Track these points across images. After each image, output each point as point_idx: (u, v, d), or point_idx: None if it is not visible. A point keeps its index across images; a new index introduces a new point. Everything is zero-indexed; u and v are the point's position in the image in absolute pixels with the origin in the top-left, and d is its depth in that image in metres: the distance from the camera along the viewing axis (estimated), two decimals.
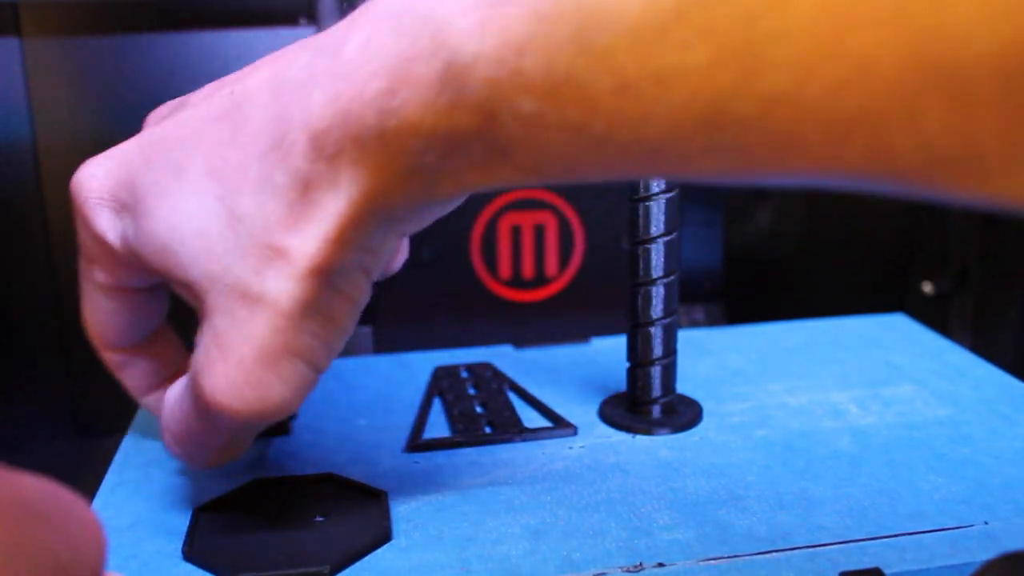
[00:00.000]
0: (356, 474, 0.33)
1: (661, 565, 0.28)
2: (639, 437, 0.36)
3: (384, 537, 0.29)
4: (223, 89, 0.28)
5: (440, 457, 0.35)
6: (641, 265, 0.36)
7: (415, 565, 0.28)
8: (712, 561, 0.28)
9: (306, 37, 0.29)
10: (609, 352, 0.44)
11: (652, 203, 0.35)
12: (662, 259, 0.35)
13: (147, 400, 0.34)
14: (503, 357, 0.44)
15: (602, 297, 0.48)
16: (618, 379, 0.39)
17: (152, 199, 0.28)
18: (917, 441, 0.35)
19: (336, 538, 0.29)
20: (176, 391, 0.30)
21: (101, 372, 0.34)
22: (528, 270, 0.48)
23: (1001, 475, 0.32)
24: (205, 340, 0.27)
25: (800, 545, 0.29)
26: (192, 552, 0.29)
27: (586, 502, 0.31)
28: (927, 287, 0.57)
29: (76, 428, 0.50)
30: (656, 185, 0.35)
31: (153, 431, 0.38)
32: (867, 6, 0.16)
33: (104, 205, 0.30)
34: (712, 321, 0.53)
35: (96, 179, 0.30)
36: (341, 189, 0.25)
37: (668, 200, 0.35)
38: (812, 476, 0.33)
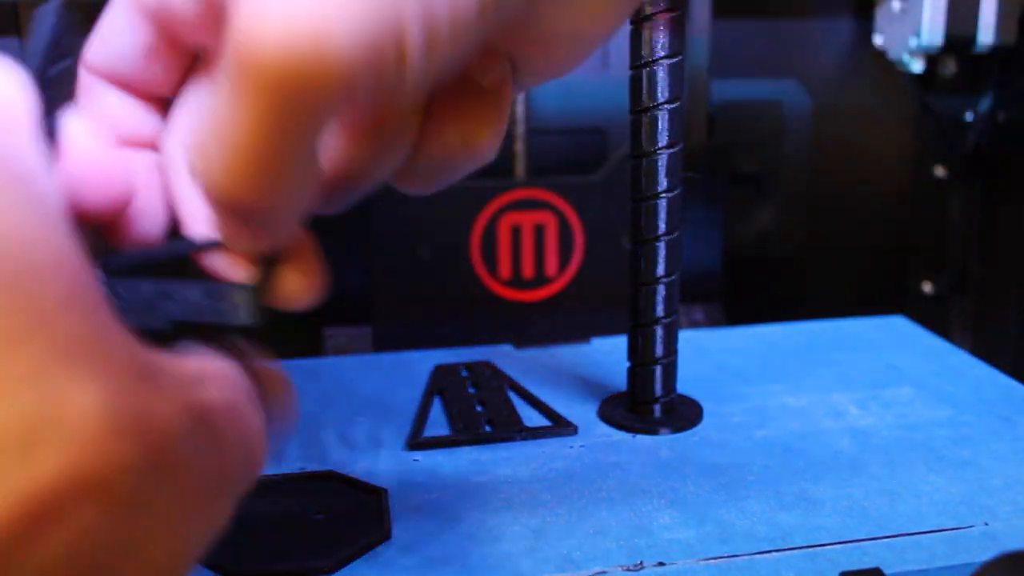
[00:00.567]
0: (356, 472, 0.33)
1: (661, 564, 0.28)
2: (639, 437, 0.36)
3: (384, 535, 0.29)
4: None
5: (440, 456, 0.35)
6: (643, 265, 0.36)
7: (415, 563, 0.28)
8: (712, 560, 0.28)
9: None
10: (609, 352, 0.44)
11: (654, 203, 0.35)
12: (663, 259, 0.35)
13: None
14: (503, 357, 0.44)
15: (602, 297, 0.48)
16: (618, 379, 0.39)
17: None
18: (917, 442, 0.35)
19: (336, 536, 0.29)
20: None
21: None
22: (528, 270, 0.48)
23: (1001, 476, 0.33)
24: None
25: (800, 545, 0.29)
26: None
27: (586, 501, 0.31)
28: (927, 288, 0.57)
29: None
30: (658, 185, 0.35)
31: None
32: None
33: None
34: (712, 321, 0.53)
35: None
36: None
37: (669, 200, 0.35)
38: (812, 476, 0.33)
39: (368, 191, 0.23)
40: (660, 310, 0.36)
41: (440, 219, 0.48)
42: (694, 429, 0.36)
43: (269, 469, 0.34)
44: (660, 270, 0.36)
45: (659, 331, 0.36)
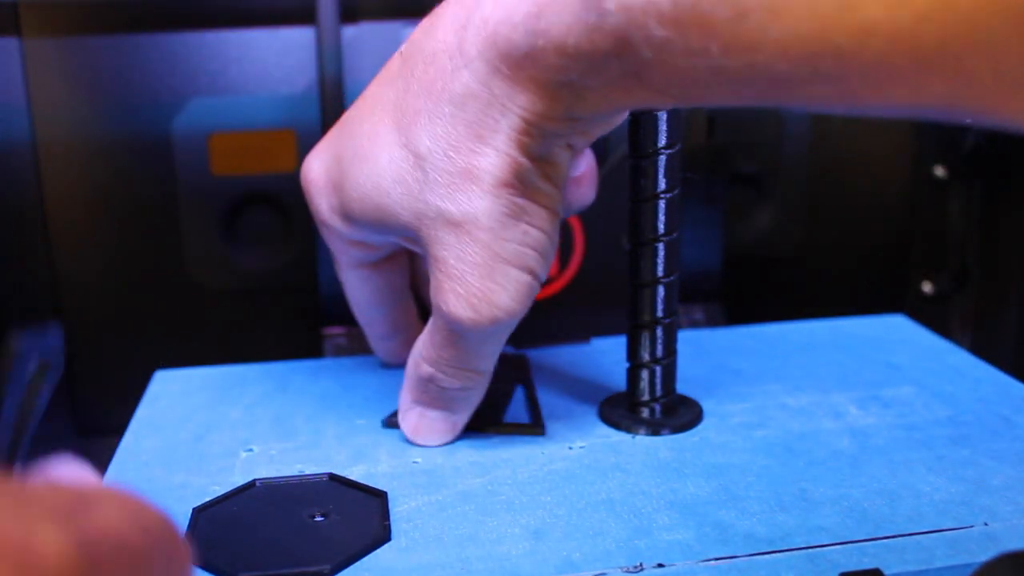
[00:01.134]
0: (356, 474, 0.33)
1: (661, 566, 0.28)
2: (639, 437, 0.36)
3: (384, 537, 0.29)
4: (395, 55, 0.33)
5: (440, 457, 0.35)
6: (642, 265, 0.36)
7: (415, 565, 0.28)
8: (712, 562, 0.28)
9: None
10: (609, 352, 0.44)
11: (653, 203, 0.35)
12: (663, 259, 0.35)
13: (380, 345, 0.41)
14: (503, 357, 0.44)
15: (602, 297, 0.48)
16: (618, 379, 0.39)
17: (355, 165, 0.33)
18: (917, 442, 0.35)
19: (336, 538, 0.29)
20: (421, 338, 0.34)
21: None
22: None
23: (1001, 476, 0.32)
24: (433, 272, 0.31)
25: (800, 546, 0.29)
26: (192, 552, 0.28)
27: (586, 502, 0.31)
28: (927, 287, 0.57)
29: (76, 428, 0.50)
30: (657, 185, 0.35)
31: (152, 431, 0.38)
32: None
33: (320, 192, 0.35)
34: (712, 321, 0.53)
35: (311, 169, 0.35)
36: (501, 106, 0.29)
37: (669, 200, 0.35)
38: (812, 476, 0.33)
39: None
40: (660, 310, 0.36)
41: None
42: (694, 429, 0.36)
43: (269, 472, 0.34)
44: (659, 270, 0.36)
45: (659, 331, 0.36)
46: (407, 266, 0.40)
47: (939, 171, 0.55)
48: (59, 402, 0.50)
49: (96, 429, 0.50)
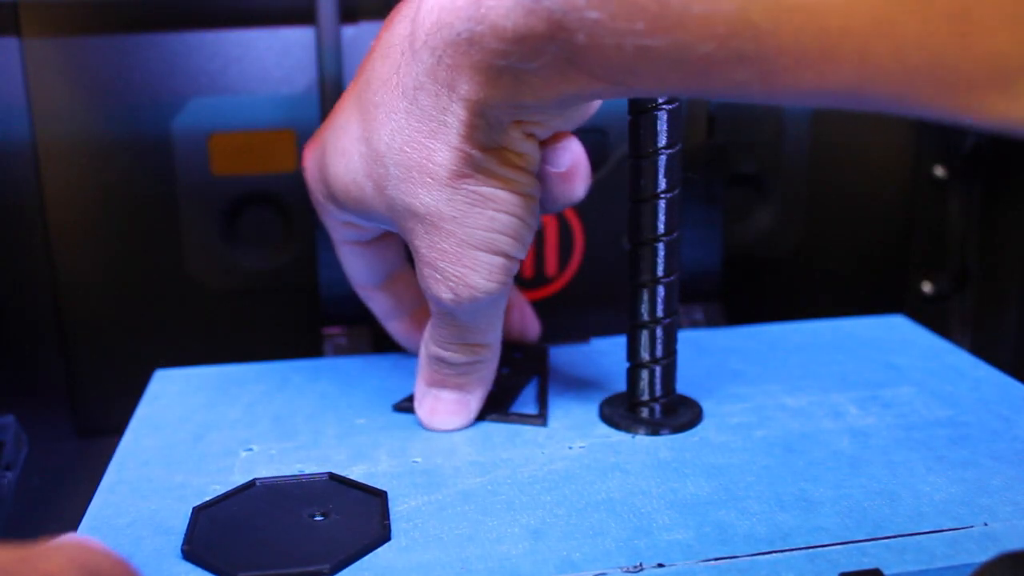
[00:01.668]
0: (356, 474, 0.33)
1: (661, 566, 0.28)
2: (639, 437, 0.36)
3: (384, 537, 0.29)
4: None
5: (440, 456, 0.35)
6: (642, 265, 0.36)
7: (415, 565, 0.28)
8: (712, 562, 0.28)
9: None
10: (609, 352, 0.44)
11: (653, 203, 0.35)
12: (663, 259, 0.35)
13: (390, 326, 0.42)
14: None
15: (602, 297, 0.48)
16: (618, 379, 0.39)
17: (334, 159, 0.34)
18: (917, 442, 0.35)
19: (336, 538, 0.29)
20: (429, 321, 0.36)
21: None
22: (528, 270, 0.47)
23: (1001, 476, 0.32)
24: (416, 260, 0.33)
25: (800, 546, 0.29)
26: (191, 551, 0.29)
27: (586, 502, 0.31)
28: (927, 287, 0.57)
29: (76, 428, 0.50)
30: (657, 185, 0.35)
31: (152, 430, 0.38)
32: None
33: (314, 179, 0.36)
34: (712, 321, 0.53)
35: (307, 158, 0.37)
36: (447, 98, 0.30)
37: (669, 200, 0.35)
38: (812, 477, 0.33)
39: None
40: (660, 310, 0.36)
41: None
42: (694, 429, 0.36)
43: (269, 472, 0.34)
44: (659, 270, 0.36)
45: (659, 331, 0.36)
46: (402, 243, 0.41)
47: (939, 171, 0.55)
48: (59, 402, 0.50)
49: (96, 429, 0.50)
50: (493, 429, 0.37)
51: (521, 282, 0.47)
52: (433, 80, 0.30)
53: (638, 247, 0.36)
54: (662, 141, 0.34)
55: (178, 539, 0.30)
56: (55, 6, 0.46)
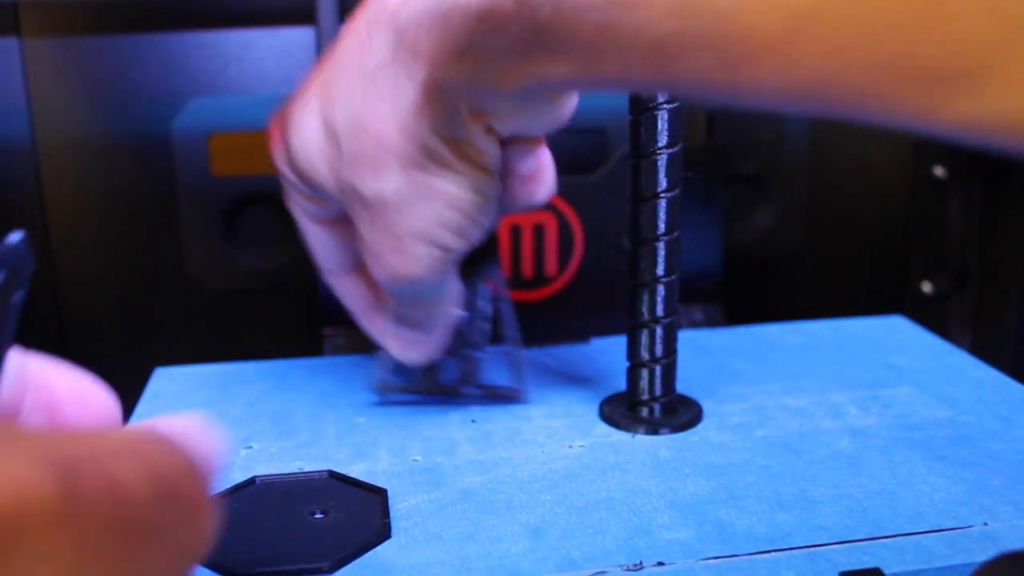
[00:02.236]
0: (356, 472, 0.33)
1: (661, 564, 0.28)
2: (639, 437, 0.36)
3: (384, 535, 0.29)
4: None
5: (440, 455, 0.35)
6: (642, 264, 0.36)
7: (415, 563, 0.28)
8: (712, 560, 0.28)
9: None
10: (609, 352, 0.44)
11: (653, 203, 0.35)
12: (663, 259, 0.35)
13: (366, 323, 0.39)
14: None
15: (602, 297, 0.48)
16: (618, 379, 0.39)
17: (296, 132, 0.33)
18: (916, 442, 0.35)
19: (336, 536, 0.29)
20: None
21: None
22: (528, 270, 0.47)
23: (1000, 476, 0.32)
24: (360, 238, 0.33)
25: (800, 545, 0.29)
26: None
27: (586, 501, 0.31)
28: (927, 287, 0.57)
29: None
30: (658, 185, 0.35)
31: None
32: None
33: (277, 145, 0.35)
34: (712, 321, 0.53)
35: (272, 127, 0.36)
36: (405, 79, 0.29)
37: (669, 200, 0.35)
38: (812, 476, 0.33)
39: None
40: (660, 310, 0.36)
41: None
42: (694, 429, 0.36)
43: (269, 470, 0.34)
44: (660, 270, 0.36)
45: (659, 331, 0.36)
46: None
47: (939, 171, 0.55)
48: None
49: None
50: (493, 428, 0.37)
51: (521, 282, 0.47)
52: (393, 60, 0.29)
53: (638, 247, 0.36)
54: (663, 141, 0.34)
55: None
56: (55, 6, 0.46)
